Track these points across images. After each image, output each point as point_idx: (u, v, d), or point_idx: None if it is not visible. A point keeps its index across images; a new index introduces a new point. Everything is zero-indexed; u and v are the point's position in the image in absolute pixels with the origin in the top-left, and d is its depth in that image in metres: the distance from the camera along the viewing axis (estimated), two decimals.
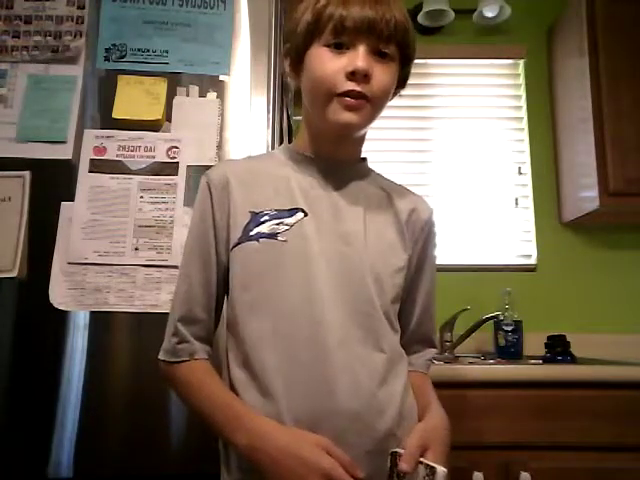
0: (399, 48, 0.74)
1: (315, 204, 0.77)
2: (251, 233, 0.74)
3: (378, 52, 0.72)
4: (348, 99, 0.71)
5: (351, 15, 0.70)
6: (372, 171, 0.86)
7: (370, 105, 0.73)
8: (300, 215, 0.75)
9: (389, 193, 0.84)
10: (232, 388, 0.73)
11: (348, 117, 0.72)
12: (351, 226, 0.77)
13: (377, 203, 0.81)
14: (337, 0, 0.72)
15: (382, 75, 0.73)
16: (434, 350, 0.88)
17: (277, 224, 0.74)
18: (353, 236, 0.76)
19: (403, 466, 0.65)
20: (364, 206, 0.79)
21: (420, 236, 0.83)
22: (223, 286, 0.78)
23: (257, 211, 0.75)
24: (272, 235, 0.74)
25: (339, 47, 0.72)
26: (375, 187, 0.84)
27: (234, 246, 0.75)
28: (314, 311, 0.70)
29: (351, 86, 0.71)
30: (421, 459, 0.67)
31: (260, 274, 0.73)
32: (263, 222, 0.75)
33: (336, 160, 0.81)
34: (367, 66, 0.70)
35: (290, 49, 0.79)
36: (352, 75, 0.71)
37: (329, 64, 0.72)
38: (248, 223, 0.75)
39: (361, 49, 0.71)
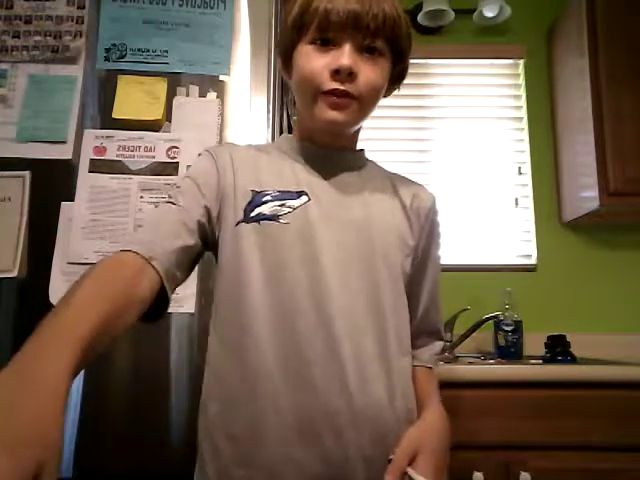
0: (389, 43, 0.72)
1: (318, 191, 0.74)
2: (252, 214, 0.71)
3: (366, 48, 0.70)
4: (333, 97, 0.70)
5: (336, 9, 0.68)
6: (371, 161, 0.86)
7: (357, 103, 0.71)
8: (305, 198, 0.73)
9: (391, 180, 0.83)
10: (217, 377, 0.69)
11: (333, 115, 0.71)
12: (356, 212, 0.75)
13: (380, 189, 0.80)
14: None
15: (369, 72, 0.71)
16: (442, 343, 0.84)
17: (279, 205, 0.71)
18: (359, 222, 0.74)
19: (388, 478, 0.62)
20: (368, 193, 0.78)
21: (425, 223, 0.81)
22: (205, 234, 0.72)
23: (259, 190, 0.73)
24: (273, 217, 0.71)
25: (325, 44, 0.71)
26: (377, 174, 0.83)
27: (235, 225, 0.72)
28: (319, 301, 0.67)
29: (335, 85, 0.69)
30: (407, 469, 0.63)
31: (260, 257, 0.70)
32: (264, 202, 0.72)
33: (334, 149, 0.79)
34: (351, 64, 0.68)
35: (280, 47, 0.78)
36: (336, 73, 0.69)
37: (314, 62, 0.70)
38: (249, 203, 0.72)
39: (346, 47, 0.69)
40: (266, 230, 0.71)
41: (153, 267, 0.62)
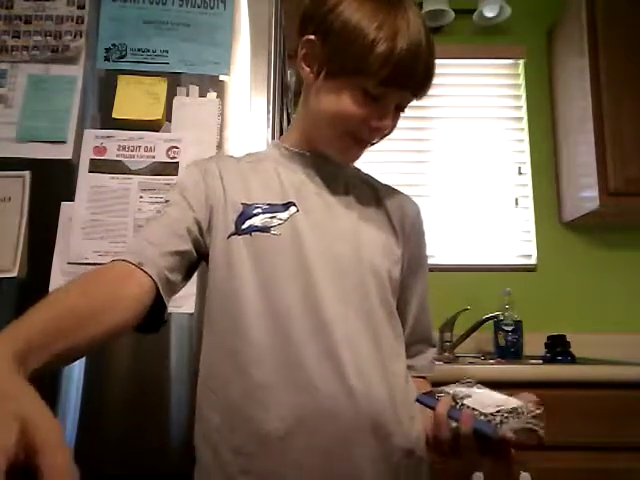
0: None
1: (306, 200, 0.75)
2: (243, 226, 0.72)
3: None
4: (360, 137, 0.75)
5: (407, 72, 0.72)
6: (359, 170, 0.87)
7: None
8: (293, 209, 0.74)
9: (377, 190, 0.84)
10: (214, 387, 0.70)
11: (354, 153, 0.77)
12: (344, 222, 0.76)
13: (367, 200, 0.81)
14: (407, 51, 0.69)
15: (394, 123, 0.75)
16: (434, 349, 0.87)
17: (270, 218, 0.72)
18: (346, 232, 0.75)
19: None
20: (355, 202, 0.79)
21: (411, 233, 0.82)
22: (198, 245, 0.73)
23: (249, 203, 0.73)
24: (265, 229, 0.71)
25: (374, 98, 0.71)
26: (363, 184, 0.84)
27: (226, 238, 0.72)
28: (313, 308, 0.68)
29: (366, 136, 0.74)
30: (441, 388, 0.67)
31: (252, 268, 0.70)
32: (255, 215, 0.73)
33: (325, 157, 0.80)
34: (393, 124, 0.74)
35: (328, 51, 0.72)
36: (376, 129, 0.73)
37: (358, 109, 0.71)
38: (240, 215, 0.73)
39: (392, 107, 0.73)
40: (258, 241, 0.71)
41: (144, 271, 0.63)
